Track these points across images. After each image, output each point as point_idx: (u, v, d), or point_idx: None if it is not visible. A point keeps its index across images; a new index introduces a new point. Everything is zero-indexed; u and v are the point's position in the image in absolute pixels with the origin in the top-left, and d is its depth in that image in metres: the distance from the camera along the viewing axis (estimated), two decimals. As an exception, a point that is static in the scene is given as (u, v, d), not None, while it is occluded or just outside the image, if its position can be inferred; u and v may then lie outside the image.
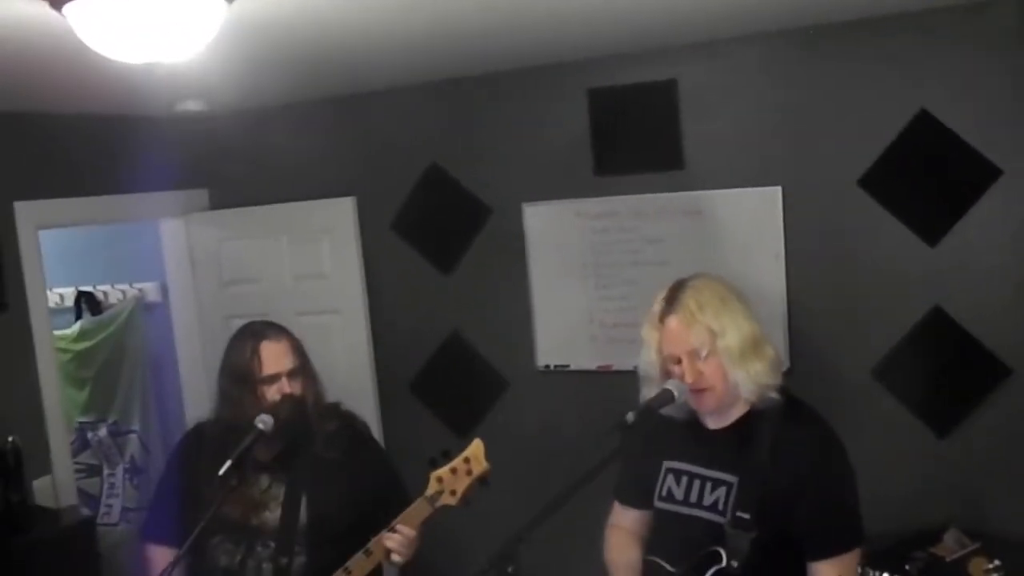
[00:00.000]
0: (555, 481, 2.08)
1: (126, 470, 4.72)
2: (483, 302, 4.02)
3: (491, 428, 4.06)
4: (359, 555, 2.54)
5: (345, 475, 2.73)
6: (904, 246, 3.29)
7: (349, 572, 2.55)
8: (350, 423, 2.88)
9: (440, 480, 2.44)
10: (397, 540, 2.50)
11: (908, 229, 3.29)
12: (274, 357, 2.68)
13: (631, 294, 3.69)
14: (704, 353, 2.21)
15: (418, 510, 2.48)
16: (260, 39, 2.58)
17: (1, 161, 3.55)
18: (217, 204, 4.47)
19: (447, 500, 2.43)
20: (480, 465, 2.43)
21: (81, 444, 4.66)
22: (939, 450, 3.32)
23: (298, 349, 2.75)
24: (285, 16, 2.33)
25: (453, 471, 2.44)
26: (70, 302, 4.80)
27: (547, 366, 3.92)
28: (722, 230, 3.52)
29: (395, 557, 2.54)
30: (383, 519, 2.73)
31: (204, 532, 2.65)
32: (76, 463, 4.39)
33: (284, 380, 2.66)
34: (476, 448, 2.45)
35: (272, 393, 2.64)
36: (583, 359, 3.84)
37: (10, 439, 3.33)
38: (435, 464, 2.45)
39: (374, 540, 2.53)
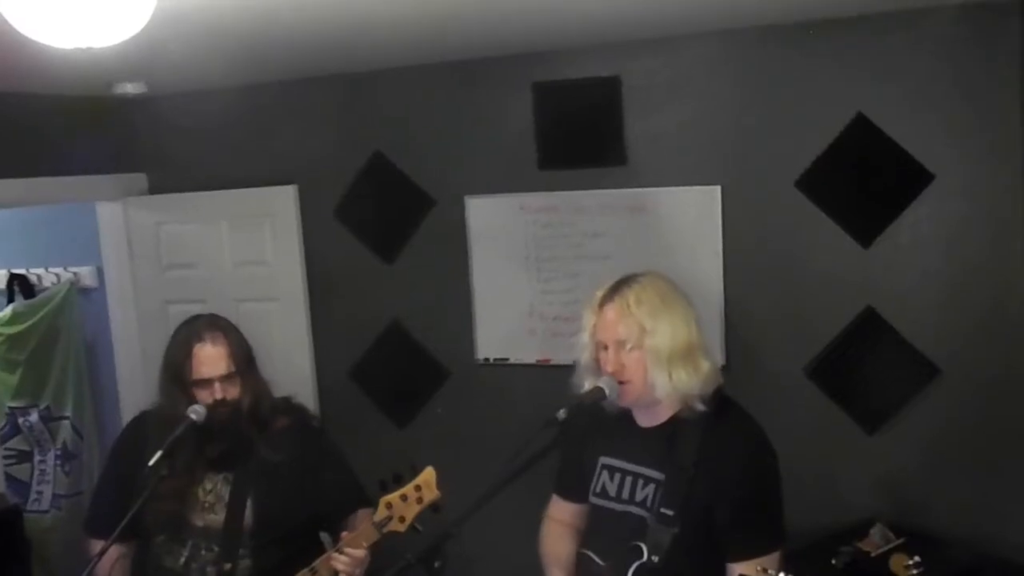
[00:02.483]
0: (492, 475, 2.07)
1: (58, 456, 4.63)
2: (424, 293, 4.01)
3: (429, 421, 4.06)
4: (304, 572, 2.48)
5: (293, 475, 2.69)
6: (838, 247, 3.34)
7: (314, 571, 2.49)
8: (300, 419, 2.83)
9: (389, 506, 2.38)
10: (345, 562, 2.44)
11: (842, 230, 3.33)
12: (208, 361, 2.62)
13: (573, 288, 3.69)
14: (629, 346, 2.23)
15: (365, 534, 2.43)
16: (199, 21, 2.53)
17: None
18: (156, 188, 4.40)
19: (395, 527, 2.38)
20: (432, 493, 2.39)
21: (12, 429, 4.58)
22: (868, 447, 3.38)
23: (238, 351, 2.68)
24: None
25: (403, 497, 2.38)
26: (2, 284, 4.72)
27: (487, 359, 3.92)
28: (662, 227, 3.55)
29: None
30: (335, 519, 2.72)
31: (148, 530, 2.64)
32: (6, 449, 4.32)
33: (217, 385, 2.61)
34: (428, 475, 2.40)
35: (204, 397, 2.60)
36: (523, 352, 3.85)
37: (-65, 424, 3.26)
38: (385, 488, 2.40)
39: (321, 559, 2.48)
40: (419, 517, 2.38)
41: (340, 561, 2.45)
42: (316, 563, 2.48)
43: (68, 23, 1.78)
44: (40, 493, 4.62)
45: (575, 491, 2.50)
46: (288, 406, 2.81)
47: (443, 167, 3.89)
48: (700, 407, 2.24)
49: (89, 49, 1.90)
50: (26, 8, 1.75)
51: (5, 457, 4.11)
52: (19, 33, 1.87)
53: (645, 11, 2.90)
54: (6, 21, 1.84)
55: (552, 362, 3.73)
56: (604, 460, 2.40)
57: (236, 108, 4.13)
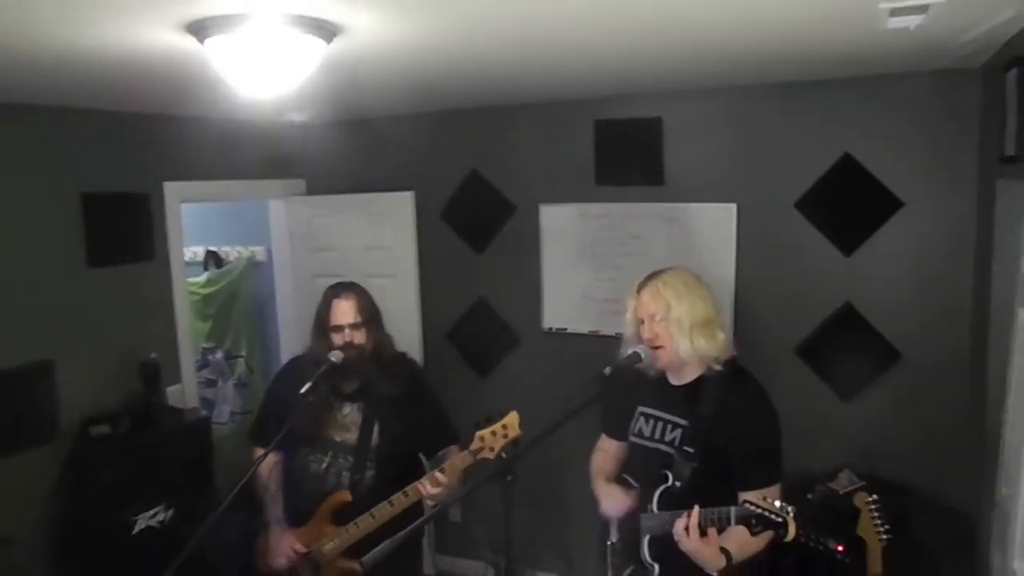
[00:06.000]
0: (551, 415, 2.10)
1: (234, 384, 4.78)
2: (505, 276, 4.03)
3: (504, 373, 4.09)
4: (422, 480, 2.51)
5: (406, 408, 2.71)
6: (826, 255, 3.30)
7: (406, 494, 2.53)
8: (412, 368, 2.85)
9: (482, 439, 2.43)
10: (440, 492, 2.48)
11: (829, 242, 3.29)
12: (341, 312, 2.64)
13: (618, 277, 3.70)
14: (658, 318, 2.24)
15: (462, 459, 2.47)
16: (350, 71, 2.59)
17: (157, 152, 3.59)
18: (311, 190, 4.49)
19: (486, 454, 2.42)
20: (515, 431, 2.42)
21: (203, 363, 4.69)
22: (842, 411, 3.34)
23: (365, 307, 2.69)
24: (368, 55, 2.34)
25: (493, 433, 2.42)
26: (200, 257, 4.84)
27: (550, 328, 3.94)
28: (690, 233, 3.53)
29: (430, 501, 2.54)
30: (432, 450, 2.76)
31: (298, 442, 2.66)
32: (198, 377, 4.46)
33: (347, 330, 2.62)
34: (512, 418, 2.45)
35: (337, 340, 2.62)
36: (578, 324, 3.85)
37: (152, 356, 3.41)
38: (479, 426, 2.44)
39: (427, 476, 2.51)
40: (504, 448, 2.42)
41: (434, 490, 2.50)
42: (427, 476, 2.51)
43: (256, 81, 1.87)
44: (222, 410, 4.79)
45: (617, 431, 2.51)
46: (403, 358, 2.83)
47: (523, 182, 3.91)
48: (717, 367, 2.23)
49: (270, 95, 2.00)
50: (230, 71, 1.86)
51: (198, 383, 4.27)
52: (224, 81, 1.97)
53: (680, 70, 2.89)
54: (218, 72, 1.94)
55: (600, 333, 3.75)
56: (641, 409, 2.40)
57: (373, 132, 4.19)
